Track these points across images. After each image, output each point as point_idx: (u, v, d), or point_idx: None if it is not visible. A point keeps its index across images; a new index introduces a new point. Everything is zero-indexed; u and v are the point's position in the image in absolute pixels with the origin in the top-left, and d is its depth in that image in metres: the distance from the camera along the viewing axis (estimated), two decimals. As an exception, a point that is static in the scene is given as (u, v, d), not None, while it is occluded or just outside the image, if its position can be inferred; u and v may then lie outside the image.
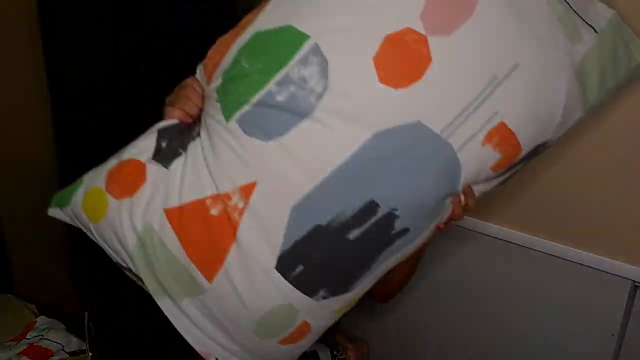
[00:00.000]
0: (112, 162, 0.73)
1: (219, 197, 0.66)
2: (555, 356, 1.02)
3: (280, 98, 0.65)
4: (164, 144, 0.71)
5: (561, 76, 0.70)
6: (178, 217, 0.67)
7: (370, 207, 0.66)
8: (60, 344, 1.30)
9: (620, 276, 0.91)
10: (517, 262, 1.06)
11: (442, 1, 0.66)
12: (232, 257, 0.67)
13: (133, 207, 0.69)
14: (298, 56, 0.65)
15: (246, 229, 0.66)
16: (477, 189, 0.77)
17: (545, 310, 1.03)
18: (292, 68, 0.65)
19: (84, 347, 1.27)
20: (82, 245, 1.55)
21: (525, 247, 1.03)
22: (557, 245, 1.00)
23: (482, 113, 0.67)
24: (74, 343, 1.32)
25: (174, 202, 0.68)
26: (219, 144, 0.68)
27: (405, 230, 0.70)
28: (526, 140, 0.72)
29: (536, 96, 0.70)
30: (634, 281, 0.90)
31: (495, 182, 0.78)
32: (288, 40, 0.66)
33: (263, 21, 0.69)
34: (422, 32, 0.64)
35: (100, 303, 1.39)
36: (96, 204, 0.71)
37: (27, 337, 1.32)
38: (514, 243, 1.06)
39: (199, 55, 1.45)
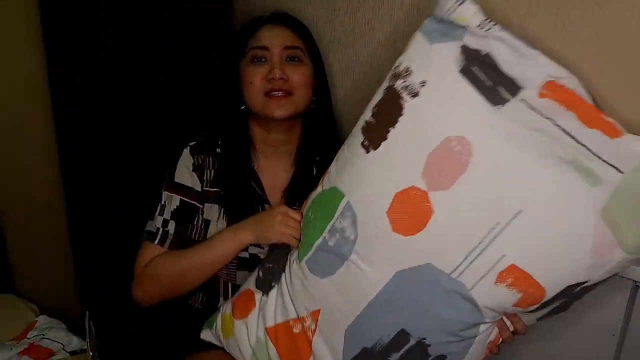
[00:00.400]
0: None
1: (298, 319, 0.90)
2: (555, 356, 1.02)
3: (331, 243, 0.84)
4: (260, 274, 0.98)
5: (579, 219, 0.69)
6: (274, 333, 0.92)
7: (403, 336, 0.80)
8: (61, 343, 1.30)
9: (620, 276, 0.91)
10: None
11: (439, 160, 0.73)
12: None
13: (248, 325, 0.95)
14: (339, 211, 0.83)
15: (318, 344, 0.88)
16: (524, 318, 0.82)
17: (545, 310, 1.03)
18: (336, 220, 0.83)
19: (85, 347, 1.28)
20: (82, 245, 1.56)
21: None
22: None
23: (488, 256, 0.73)
24: (75, 342, 1.32)
25: (271, 322, 0.93)
26: (296, 280, 0.90)
27: (441, 357, 0.81)
28: (549, 282, 0.73)
29: (548, 240, 0.71)
30: (635, 281, 0.89)
31: (537, 315, 0.81)
32: (333, 198, 0.85)
33: (326, 181, 0.90)
34: (424, 188, 0.74)
35: (100, 303, 1.39)
36: (226, 325, 0.99)
37: (27, 336, 1.32)
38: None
39: (199, 55, 1.45)
